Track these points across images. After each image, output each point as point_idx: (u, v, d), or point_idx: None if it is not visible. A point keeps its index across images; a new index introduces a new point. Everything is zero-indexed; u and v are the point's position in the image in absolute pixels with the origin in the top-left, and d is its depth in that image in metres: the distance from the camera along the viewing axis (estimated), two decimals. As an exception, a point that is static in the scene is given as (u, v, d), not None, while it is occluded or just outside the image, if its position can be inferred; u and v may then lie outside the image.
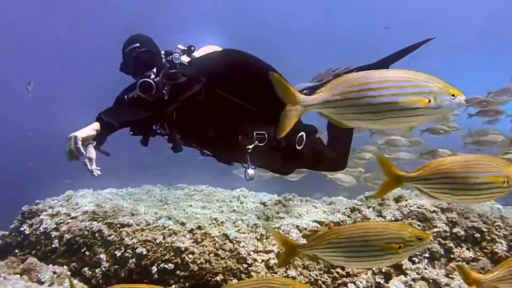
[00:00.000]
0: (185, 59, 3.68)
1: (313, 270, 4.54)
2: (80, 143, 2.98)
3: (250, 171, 3.84)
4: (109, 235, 4.83)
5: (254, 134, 3.75)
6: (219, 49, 4.00)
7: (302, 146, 3.97)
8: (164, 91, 3.41)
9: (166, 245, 4.68)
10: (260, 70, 3.73)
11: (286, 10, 27.88)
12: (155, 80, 3.43)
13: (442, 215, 4.88)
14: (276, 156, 4.01)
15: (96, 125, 3.18)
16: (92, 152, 3.32)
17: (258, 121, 3.79)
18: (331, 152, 4.28)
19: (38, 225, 5.11)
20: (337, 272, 4.52)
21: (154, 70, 3.51)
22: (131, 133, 3.69)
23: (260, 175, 7.75)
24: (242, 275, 4.48)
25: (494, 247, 4.53)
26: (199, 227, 4.96)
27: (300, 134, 3.93)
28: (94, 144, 3.42)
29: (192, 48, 3.75)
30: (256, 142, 3.74)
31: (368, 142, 8.56)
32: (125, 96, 3.53)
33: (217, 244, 4.75)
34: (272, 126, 3.80)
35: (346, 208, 5.42)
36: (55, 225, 5.00)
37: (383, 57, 4.20)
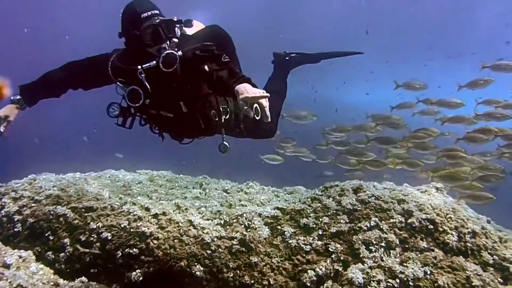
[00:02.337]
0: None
1: (274, 257, 4.68)
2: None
3: (226, 143, 4.01)
4: (74, 220, 4.84)
5: (221, 108, 3.90)
6: (201, 25, 4.12)
7: (259, 116, 4.18)
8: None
9: (131, 230, 4.74)
10: (232, 49, 4.11)
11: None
12: (178, 53, 3.53)
13: (398, 207, 5.08)
14: (237, 127, 4.19)
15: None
16: (13, 113, 3.39)
17: (219, 97, 4.02)
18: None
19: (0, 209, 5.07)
20: (298, 259, 4.69)
21: (168, 42, 3.59)
22: (114, 115, 3.76)
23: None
24: (206, 260, 4.58)
25: (446, 238, 4.77)
26: (164, 213, 5.04)
27: (255, 105, 4.13)
28: (23, 107, 3.49)
29: (193, 22, 3.83)
30: (223, 116, 3.90)
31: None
32: (139, 67, 3.52)
33: (181, 230, 4.84)
34: (229, 101, 4.10)
35: (307, 197, 5.57)
36: (18, 209, 4.96)
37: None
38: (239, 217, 5.11)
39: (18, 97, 3.56)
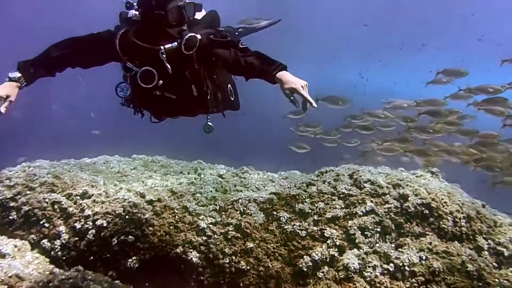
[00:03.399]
0: None
1: (270, 243, 4.69)
2: None
3: (210, 123, 4.21)
4: (69, 207, 4.81)
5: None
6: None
7: (234, 96, 4.28)
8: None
9: (127, 217, 4.73)
10: None
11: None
12: (200, 37, 3.59)
13: (394, 191, 5.09)
14: (216, 107, 4.24)
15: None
16: (14, 92, 3.30)
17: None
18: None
19: (-6, 196, 5.01)
20: (293, 245, 4.69)
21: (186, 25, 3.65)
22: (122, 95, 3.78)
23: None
24: (201, 247, 4.58)
25: (441, 223, 4.78)
26: (159, 200, 5.03)
27: (229, 86, 4.23)
28: (24, 85, 3.40)
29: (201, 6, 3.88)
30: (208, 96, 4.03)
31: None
32: (162, 47, 3.52)
33: (176, 217, 4.83)
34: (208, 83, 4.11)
35: (302, 183, 5.57)
36: (13, 196, 4.89)
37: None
38: (234, 202, 5.11)
39: (18, 74, 3.42)
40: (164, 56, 3.53)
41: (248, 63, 3.51)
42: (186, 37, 3.50)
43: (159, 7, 3.45)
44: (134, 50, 3.58)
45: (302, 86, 3.16)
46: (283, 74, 3.27)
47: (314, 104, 3.19)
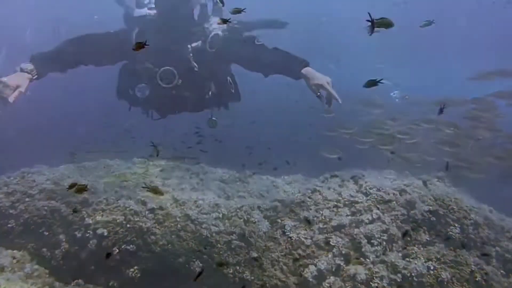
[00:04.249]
0: None
1: (274, 252, 4.60)
2: None
3: (214, 118, 4.31)
4: (69, 215, 4.73)
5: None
6: None
7: (233, 89, 4.30)
8: None
9: (128, 226, 4.63)
10: None
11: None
12: (221, 35, 3.70)
13: (401, 198, 5.00)
14: (223, 102, 4.38)
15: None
16: (25, 83, 3.20)
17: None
18: None
19: (-8, 204, 4.92)
20: (298, 254, 4.61)
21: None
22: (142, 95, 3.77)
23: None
24: (204, 256, 4.49)
25: (448, 230, 4.70)
26: (161, 208, 4.92)
27: (228, 79, 4.25)
28: (35, 77, 3.32)
29: None
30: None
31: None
32: (189, 46, 3.62)
33: (179, 225, 4.73)
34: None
35: (307, 189, 5.47)
36: (11, 204, 4.81)
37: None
38: (238, 210, 5.01)
39: (31, 66, 3.31)
40: (191, 55, 3.54)
41: (269, 60, 3.59)
42: (212, 35, 3.58)
43: (182, 6, 3.52)
44: (155, 50, 3.51)
45: (327, 83, 3.24)
46: (308, 70, 3.38)
47: (339, 100, 3.26)
